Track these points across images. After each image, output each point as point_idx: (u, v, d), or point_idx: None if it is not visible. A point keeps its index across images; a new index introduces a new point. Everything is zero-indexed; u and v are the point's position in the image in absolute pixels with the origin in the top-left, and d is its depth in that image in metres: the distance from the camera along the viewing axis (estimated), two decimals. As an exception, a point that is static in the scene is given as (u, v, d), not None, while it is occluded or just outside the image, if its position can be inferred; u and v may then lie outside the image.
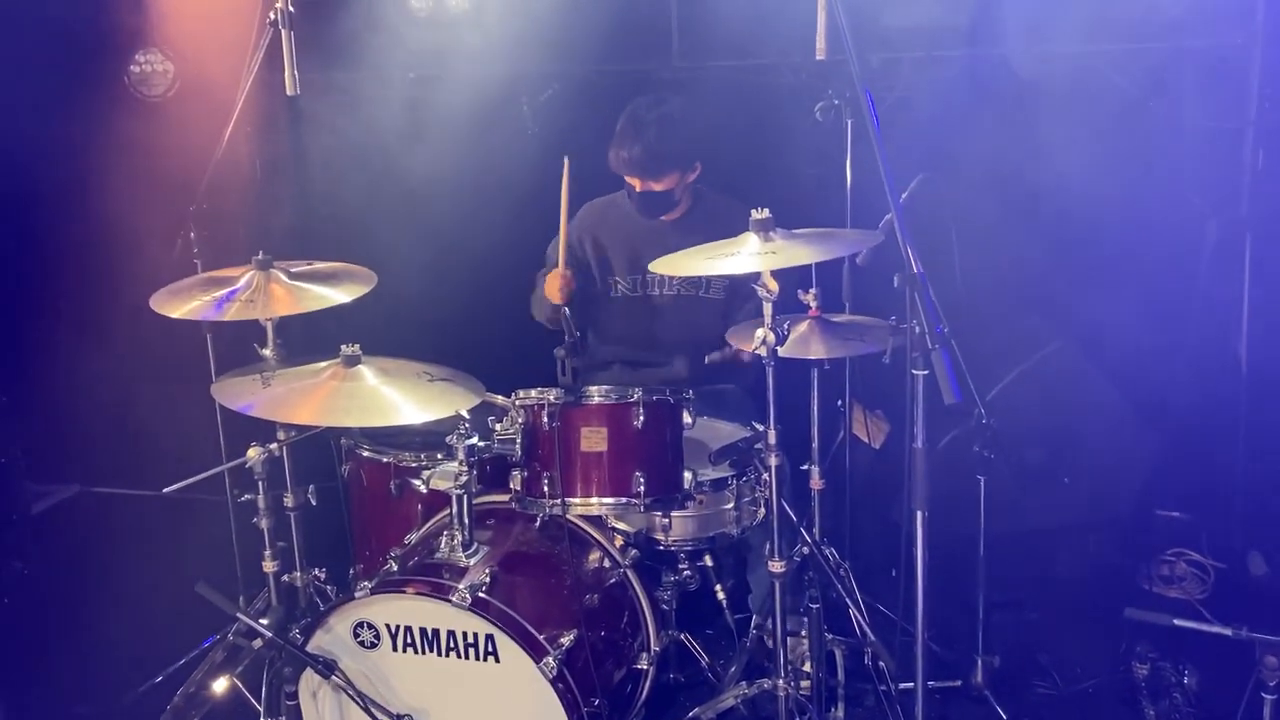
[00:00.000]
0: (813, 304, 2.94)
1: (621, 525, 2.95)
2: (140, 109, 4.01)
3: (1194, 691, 3.01)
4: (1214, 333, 3.71)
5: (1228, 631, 2.37)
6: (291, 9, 2.94)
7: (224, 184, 3.27)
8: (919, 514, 2.20)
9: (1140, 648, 3.12)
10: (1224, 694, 2.90)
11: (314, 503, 3.01)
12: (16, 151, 3.83)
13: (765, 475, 2.72)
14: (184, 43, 3.99)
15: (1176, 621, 2.44)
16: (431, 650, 2.54)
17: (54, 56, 3.99)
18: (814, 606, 2.88)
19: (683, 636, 3.13)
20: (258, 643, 2.62)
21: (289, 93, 2.98)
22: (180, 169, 3.53)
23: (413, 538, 2.93)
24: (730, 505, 2.98)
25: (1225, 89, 3.62)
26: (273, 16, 2.95)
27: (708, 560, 3.14)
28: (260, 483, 2.87)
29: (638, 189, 3.37)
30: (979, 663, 3.11)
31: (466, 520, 2.67)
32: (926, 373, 2.13)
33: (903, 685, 2.91)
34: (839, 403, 3.29)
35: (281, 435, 2.85)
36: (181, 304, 2.80)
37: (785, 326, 2.61)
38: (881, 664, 3.01)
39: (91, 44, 4.05)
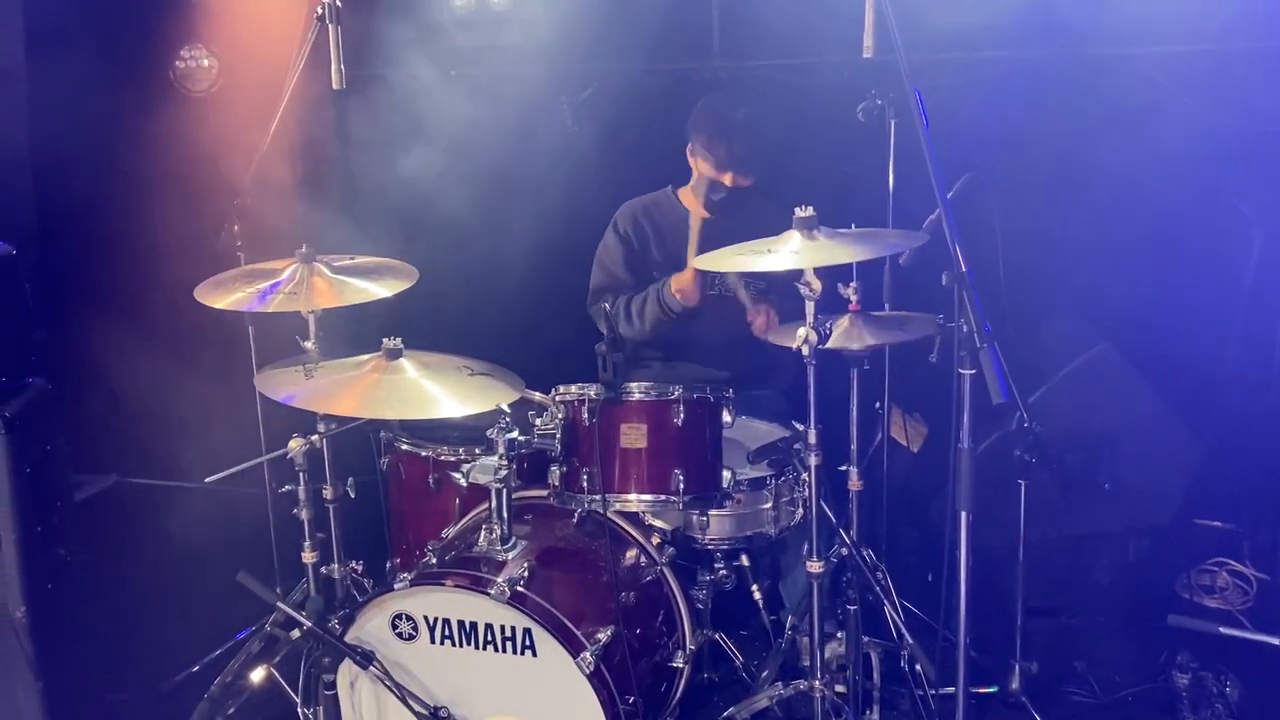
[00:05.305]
0: (853, 298, 2.91)
1: (658, 523, 2.95)
2: (185, 104, 4.05)
3: (1236, 702, 2.96)
4: (1259, 340, 3.66)
5: (1276, 641, 2.33)
6: (339, 4, 2.95)
7: (269, 177, 3.29)
8: (964, 515, 2.18)
9: (1181, 657, 3.08)
10: (1268, 705, 2.86)
11: (353, 495, 3.03)
12: (63, 146, 3.88)
13: (804, 475, 2.70)
14: (227, 39, 4.03)
15: (1223, 629, 2.42)
16: (469, 643, 2.55)
17: (100, 52, 4.03)
18: (852, 608, 2.86)
19: (717, 636, 3.13)
20: (295, 633, 2.63)
21: (335, 87, 2.99)
22: (224, 163, 3.57)
23: (450, 531, 2.94)
24: (768, 505, 2.97)
25: (1272, 92, 3.56)
26: (320, 11, 2.96)
27: (744, 560, 3.14)
28: (301, 474, 2.89)
29: (728, 184, 3.38)
30: (1016, 669, 3.08)
31: (505, 514, 2.68)
32: (973, 372, 2.11)
33: (940, 690, 2.89)
34: (877, 404, 3.26)
35: (322, 427, 2.87)
36: (225, 295, 2.83)
37: (827, 326, 2.60)
38: (918, 668, 2.98)
39: (136, 40, 4.09)
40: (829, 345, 2.66)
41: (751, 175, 3.40)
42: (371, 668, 2.53)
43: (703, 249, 2.82)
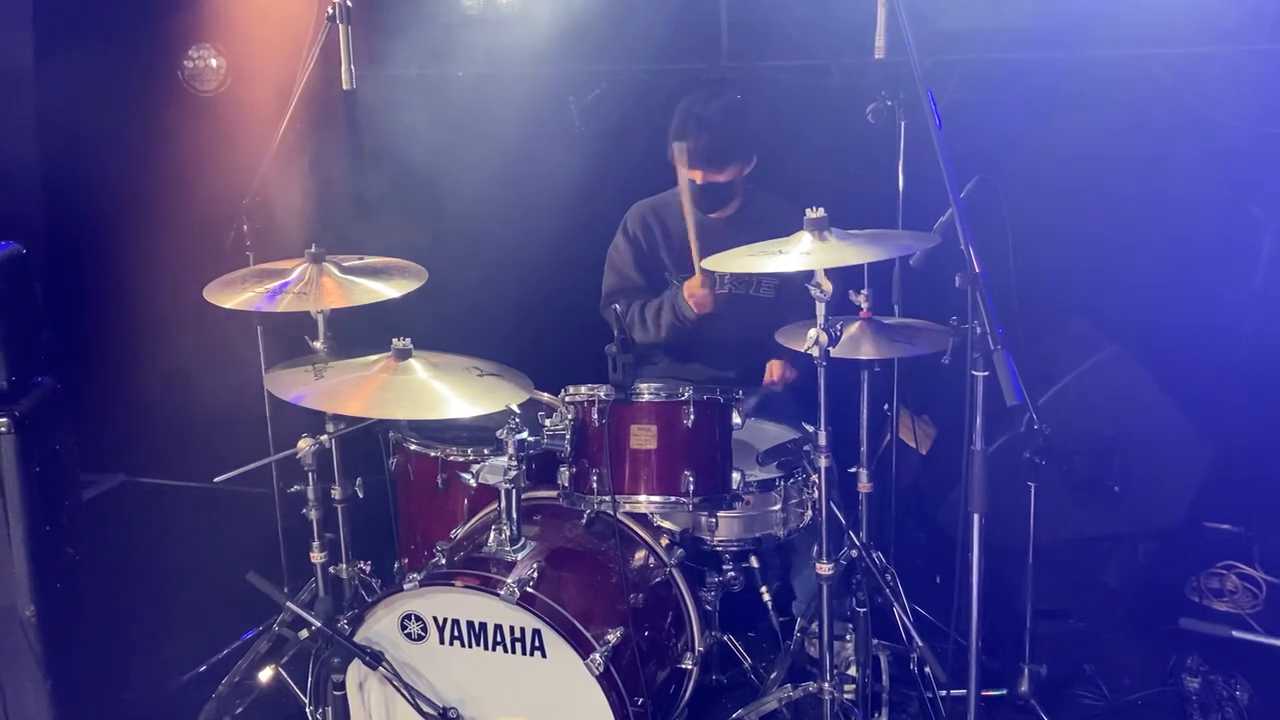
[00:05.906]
0: (864, 305, 2.91)
1: (667, 524, 2.94)
2: (193, 103, 4.06)
3: (1246, 706, 2.94)
4: (1269, 343, 3.65)
5: (1288, 644, 2.33)
6: (349, 3, 2.95)
7: (277, 177, 3.30)
8: (976, 517, 2.17)
9: (1191, 660, 3.06)
10: (1278, 709, 2.85)
11: (361, 495, 3.02)
12: (72, 146, 3.90)
13: (814, 477, 2.70)
14: (236, 39, 4.05)
15: (1235, 633, 2.40)
16: (478, 644, 2.54)
17: (108, 53, 4.05)
18: (861, 610, 2.85)
19: (726, 638, 3.12)
20: (304, 633, 2.63)
21: (345, 87, 2.99)
22: (232, 162, 3.58)
23: (459, 532, 2.94)
24: (777, 507, 2.96)
25: (1285, 95, 3.56)
26: (331, 11, 2.96)
27: (753, 561, 3.13)
28: (310, 474, 2.88)
29: (699, 181, 3.35)
30: (1025, 671, 3.07)
31: (515, 515, 2.67)
32: (987, 374, 2.11)
33: (949, 692, 2.89)
34: (885, 407, 3.26)
35: (331, 427, 2.87)
36: (234, 295, 2.83)
37: (838, 327, 2.59)
38: (927, 670, 2.97)
39: (145, 40, 4.11)
40: (839, 355, 2.65)
41: (724, 173, 3.35)
42: (380, 668, 2.52)
43: (705, 250, 2.81)
